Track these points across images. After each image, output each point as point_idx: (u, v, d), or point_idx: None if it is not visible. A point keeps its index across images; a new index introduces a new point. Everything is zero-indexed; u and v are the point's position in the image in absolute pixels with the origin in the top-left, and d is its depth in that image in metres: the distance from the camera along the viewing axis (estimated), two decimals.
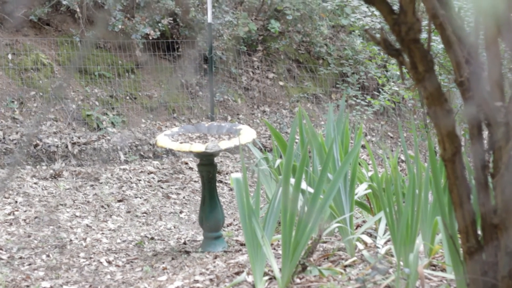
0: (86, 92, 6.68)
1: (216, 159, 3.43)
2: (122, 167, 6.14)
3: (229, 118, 6.99)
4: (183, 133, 3.43)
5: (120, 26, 6.41)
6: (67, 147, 6.10)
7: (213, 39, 6.42)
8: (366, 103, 6.53)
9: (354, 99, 6.60)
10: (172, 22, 7.14)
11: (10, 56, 6.62)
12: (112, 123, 6.65)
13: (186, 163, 6.24)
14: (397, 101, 6.26)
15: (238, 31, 7.00)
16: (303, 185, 3.26)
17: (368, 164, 4.99)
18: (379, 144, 7.06)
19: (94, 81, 6.85)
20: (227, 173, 5.96)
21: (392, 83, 6.06)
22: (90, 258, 3.92)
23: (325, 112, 7.44)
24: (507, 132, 2.19)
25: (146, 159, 6.36)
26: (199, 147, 3.23)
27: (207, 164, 3.42)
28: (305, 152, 3.15)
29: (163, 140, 3.35)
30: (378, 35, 2.34)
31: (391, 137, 7.40)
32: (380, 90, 6.46)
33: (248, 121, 7.18)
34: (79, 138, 6.20)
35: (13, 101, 6.35)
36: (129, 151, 6.43)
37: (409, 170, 3.13)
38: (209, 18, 6.24)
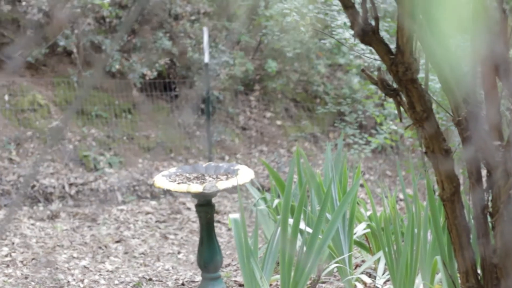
0: (83, 132, 6.68)
1: (214, 199, 3.42)
2: (119, 207, 6.12)
3: (227, 157, 6.99)
4: (181, 173, 3.42)
5: (117, 66, 6.43)
6: (64, 187, 6.08)
7: (210, 79, 6.44)
8: (364, 142, 6.53)
9: (352, 137, 6.60)
10: (169, 62, 7.17)
11: (6, 97, 6.63)
12: (109, 163, 6.64)
13: (184, 203, 6.22)
14: (395, 139, 6.26)
15: (235, 70, 7.02)
16: (302, 225, 3.24)
17: (367, 203, 4.97)
18: (378, 183, 7.04)
19: (91, 121, 6.86)
20: (225, 213, 5.94)
21: (390, 122, 6.06)
22: None
23: (323, 151, 7.44)
24: (505, 171, 2.18)
25: (144, 200, 6.34)
26: (196, 187, 3.22)
27: (205, 205, 3.41)
28: (303, 192, 3.14)
29: (161, 180, 3.34)
30: (376, 72, 2.34)
31: (389, 176, 7.39)
32: (378, 128, 6.46)
33: (246, 160, 7.17)
34: (76, 178, 6.19)
35: (9, 142, 6.35)
36: (126, 192, 6.41)
37: (407, 209, 3.11)
38: (206, 58, 6.25)
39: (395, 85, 2.31)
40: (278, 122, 7.86)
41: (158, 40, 6.84)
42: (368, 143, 6.50)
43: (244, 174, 3.43)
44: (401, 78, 2.23)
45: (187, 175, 3.43)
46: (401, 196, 6.24)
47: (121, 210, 5.99)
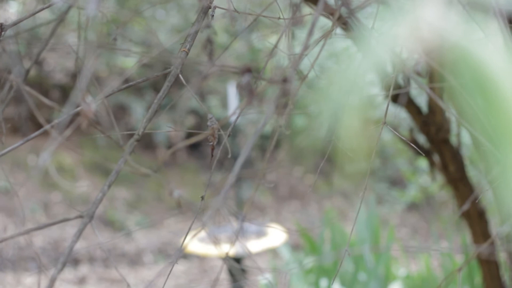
0: (110, 193, 6.63)
1: (244, 260, 3.34)
2: (149, 269, 6.03)
3: (256, 216, 6.90)
4: (210, 235, 3.34)
5: (141, 131, 6.40)
6: (92, 250, 6.01)
7: (236, 137, 6.40)
8: (395, 198, 6.42)
9: (383, 193, 6.49)
10: (197, 121, 7.15)
11: (32, 160, 6.62)
12: (138, 224, 6.58)
13: (214, 265, 6.12)
14: (429, 194, 6.15)
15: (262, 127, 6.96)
16: (336, 286, 3.15)
17: (400, 261, 4.85)
18: (411, 239, 6.91)
19: (118, 181, 6.81)
20: (255, 274, 5.83)
21: (421, 180, 5.96)
22: None
23: (354, 207, 7.33)
24: None
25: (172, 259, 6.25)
26: (226, 251, 3.13)
27: (235, 267, 3.32)
28: (337, 258, 3.05)
29: (190, 243, 3.26)
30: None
31: (423, 231, 7.25)
32: (410, 184, 6.36)
33: (276, 218, 7.08)
34: (104, 240, 6.12)
35: (37, 207, 6.31)
36: (155, 253, 6.33)
37: (443, 267, 3.01)
38: (231, 115, 6.19)
39: (426, 144, 2.24)
40: (308, 178, 7.78)
41: (185, 100, 6.84)
42: (399, 199, 6.39)
43: (276, 236, 3.34)
44: (433, 138, 2.16)
45: (217, 236, 3.35)
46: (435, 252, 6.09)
47: (151, 271, 5.90)
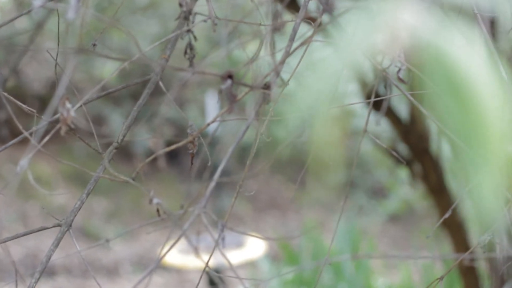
0: (89, 204, 6.59)
1: (224, 271, 3.32)
2: (127, 280, 5.99)
3: (236, 226, 6.88)
4: (188, 246, 3.32)
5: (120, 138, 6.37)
6: (69, 260, 5.97)
7: (216, 145, 6.38)
8: (375, 208, 6.43)
9: (364, 204, 6.50)
10: (175, 130, 7.13)
11: (8, 170, 6.56)
12: (116, 233, 6.54)
13: (193, 276, 6.09)
14: (410, 205, 6.16)
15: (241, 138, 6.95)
16: None
17: (379, 271, 4.84)
18: (391, 250, 6.92)
19: (97, 192, 6.77)
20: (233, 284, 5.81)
21: (402, 191, 5.97)
22: None
23: (334, 217, 7.32)
24: None
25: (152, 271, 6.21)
26: (204, 262, 3.11)
27: (213, 278, 3.30)
28: (317, 268, 3.04)
29: (169, 255, 3.24)
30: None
31: (403, 242, 7.26)
32: (390, 194, 6.37)
33: (255, 229, 7.06)
34: (81, 250, 6.08)
35: (13, 216, 6.26)
36: (134, 264, 6.29)
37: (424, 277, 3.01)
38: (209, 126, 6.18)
39: (407, 154, 2.24)
40: (287, 188, 7.77)
41: (164, 108, 6.81)
42: (378, 209, 6.40)
43: (256, 246, 3.32)
44: (414, 147, 2.16)
45: (195, 247, 3.33)
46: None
47: (129, 282, 5.86)
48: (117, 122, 7.10)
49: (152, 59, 1.05)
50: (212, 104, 4.62)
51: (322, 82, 0.47)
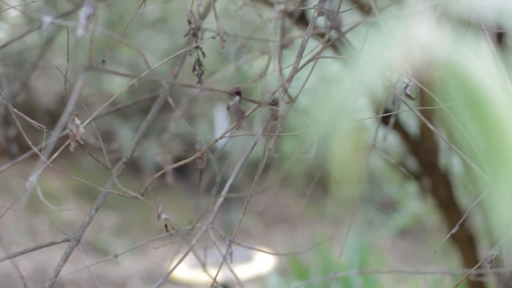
0: (98, 219, 6.60)
1: (232, 286, 3.31)
2: None
3: (245, 241, 6.87)
4: (198, 258, 3.32)
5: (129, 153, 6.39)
6: (77, 275, 5.96)
7: (223, 162, 6.38)
8: (384, 222, 6.41)
9: (373, 218, 6.48)
10: (185, 145, 7.14)
11: (17, 185, 6.58)
12: (123, 249, 6.53)
13: None
14: (420, 219, 6.14)
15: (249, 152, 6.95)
16: None
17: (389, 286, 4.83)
18: (401, 264, 6.89)
19: (106, 207, 6.78)
20: None
21: (411, 205, 5.95)
22: None
23: (343, 232, 7.29)
24: None
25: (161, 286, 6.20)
26: (212, 277, 3.11)
27: None
28: (326, 283, 3.03)
29: (178, 269, 3.24)
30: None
31: (413, 256, 7.23)
32: (400, 209, 6.35)
33: (264, 243, 7.04)
34: (90, 265, 6.07)
35: (22, 231, 6.26)
36: (144, 279, 6.28)
37: None
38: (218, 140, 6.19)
39: (416, 169, 2.23)
40: (297, 203, 7.76)
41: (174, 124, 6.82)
42: (388, 223, 6.38)
43: (264, 261, 3.32)
44: (423, 161, 2.15)
45: (203, 262, 3.33)
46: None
47: None
48: (126, 137, 7.12)
49: (161, 75, 1.06)
50: (220, 119, 4.62)
51: (337, 98, 0.47)
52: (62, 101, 6.69)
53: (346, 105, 0.48)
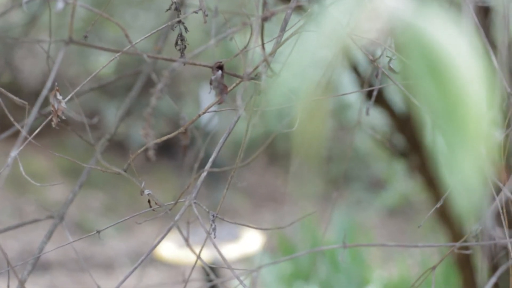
0: (84, 198, 6.58)
1: (219, 265, 3.31)
2: (123, 274, 5.98)
3: (231, 218, 6.87)
4: (181, 239, 3.32)
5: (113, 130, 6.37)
6: (63, 254, 5.96)
7: (207, 141, 6.37)
8: (373, 201, 6.43)
9: (361, 197, 6.50)
10: (171, 124, 7.13)
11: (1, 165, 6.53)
12: (111, 229, 6.53)
13: (187, 270, 6.09)
14: (408, 197, 6.16)
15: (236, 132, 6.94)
16: None
17: (377, 264, 4.85)
18: (389, 242, 6.91)
19: (92, 186, 6.76)
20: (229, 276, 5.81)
21: (399, 184, 5.97)
22: None
23: (331, 211, 7.29)
24: None
25: (147, 266, 6.21)
26: (196, 254, 3.11)
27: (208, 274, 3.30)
28: (313, 261, 3.04)
29: (159, 250, 3.24)
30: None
31: (400, 234, 7.26)
32: (388, 187, 6.36)
33: (252, 221, 7.06)
34: (75, 244, 6.07)
35: (8, 210, 6.25)
36: (131, 258, 6.29)
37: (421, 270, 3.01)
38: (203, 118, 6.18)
39: (404, 146, 2.23)
40: (284, 181, 7.77)
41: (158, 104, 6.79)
42: (376, 202, 6.40)
43: (252, 240, 3.32)
44: (410, 138, 2.15)
45: (188, 241, 3.33)
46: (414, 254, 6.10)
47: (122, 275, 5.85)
48: (112, 116, 7.09)
49: (146, 52, 1.05)
50: (206, 97, 4.59)
51: (305, 68, 0.47)
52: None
53: (316, 75, 0.47)
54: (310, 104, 0.47)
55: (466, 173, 0.45)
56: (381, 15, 0.45)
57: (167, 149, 7.41)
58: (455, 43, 0.44)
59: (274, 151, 7.88)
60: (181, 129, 1.03)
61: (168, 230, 1.03)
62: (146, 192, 1.03)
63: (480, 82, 0.43)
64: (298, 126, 0.49)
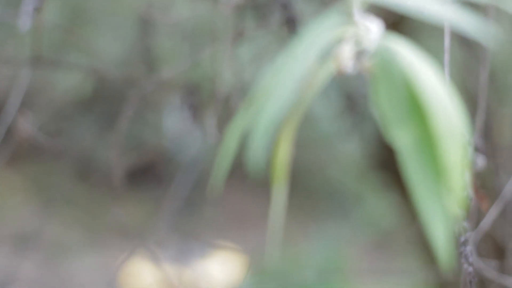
0: (49, 218, 6.49)
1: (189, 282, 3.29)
2: None
3: (205, 238, 6.83)
4: (152, 259, 3.29)
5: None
6: (24, 275, 5.88)
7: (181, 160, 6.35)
8: (349, 217, 6.43)
9: (335, 212, 6.48)
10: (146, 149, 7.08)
11: None
12: (78, 248, 6.46)
13: None
14: (385, 215, 6.16)
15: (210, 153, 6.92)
16: None
17: None
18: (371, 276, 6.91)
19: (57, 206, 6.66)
20: None
21: (376, 205, 5.97)
22: None
23: (308, 235, 7.32)
24: None
25: None
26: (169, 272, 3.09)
27: None
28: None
29: (127, 275, 3.21)
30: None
31: (387, 268, 7.24)
32: (364, 203, 6.35)
33: (227, 242, 7.02)
34: (39, 265, 6.00)
35: None
36: (96, 281, 6.22)
37: None
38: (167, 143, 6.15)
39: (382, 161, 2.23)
40: (258, 203, 7.75)
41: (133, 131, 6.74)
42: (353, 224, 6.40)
43: (223, 258, 3.30)
44: (390, 167, 2.14)
45: (160, 261, 3.30)
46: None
47: None
48: (85, 130, 7.02)
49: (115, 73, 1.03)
50: (171, 118, 4.57)
51: (279, 88, 0.45)
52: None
53: (289, 95, 0.45)
54: (282, 128, 0.45)
55: (441, 209, 0.44)
56: (351, 43, 0.43)
57: (135, 176, 7.34)
58: (430, 82, 0.43)
59: (244, 171, 7.85)
60: (150, 154, 1.01)
61: (132, 250, 1.01)
62: (116, 215, 1.01)
63: (455, 121, 0.43)
64: (270, 152, 0.48)
